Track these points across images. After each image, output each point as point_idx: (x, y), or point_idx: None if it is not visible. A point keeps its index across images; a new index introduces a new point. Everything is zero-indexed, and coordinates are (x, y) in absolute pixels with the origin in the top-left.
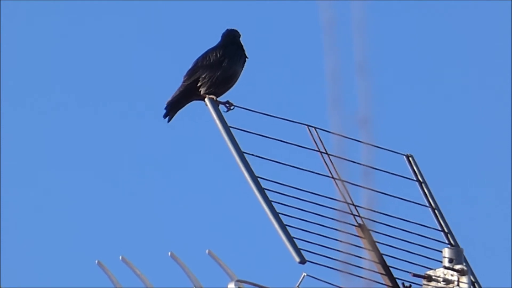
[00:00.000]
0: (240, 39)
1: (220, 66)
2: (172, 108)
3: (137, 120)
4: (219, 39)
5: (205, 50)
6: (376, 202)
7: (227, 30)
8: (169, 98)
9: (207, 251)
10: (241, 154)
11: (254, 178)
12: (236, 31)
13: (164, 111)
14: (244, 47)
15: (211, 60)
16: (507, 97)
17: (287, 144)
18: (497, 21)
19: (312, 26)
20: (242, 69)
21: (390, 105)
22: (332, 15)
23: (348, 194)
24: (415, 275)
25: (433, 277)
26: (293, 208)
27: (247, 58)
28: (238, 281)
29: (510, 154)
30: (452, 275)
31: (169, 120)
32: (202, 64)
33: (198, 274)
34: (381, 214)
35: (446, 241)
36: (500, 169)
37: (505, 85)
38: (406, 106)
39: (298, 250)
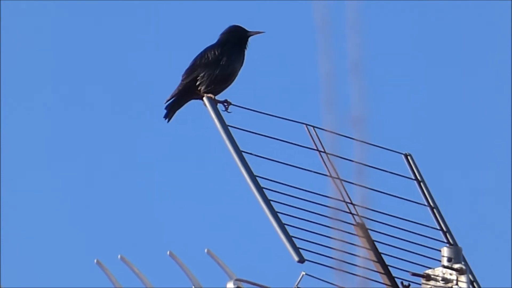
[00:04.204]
0: (245, 33)
1: (219, 64)
2: (171, 109)
3: (135, 119)
4: (219, 37)
5: (204, 48)
6: (374, 201)
7: (230, 27)
8: (168, 97)
9: (206, 250)
10: (239, 153)
11: (253, 177)
12: (239, 29)
13: (164, 111)
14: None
15: (210, 59)
16: (506, 95)
17: (285, 143)
18: (496, 20)
19: (309, 25)
20: (241, 67)
21: (389, 104)
22: (326, 15)
23: (347, 193)
24: (414, 274)
25: (432, 276)
26: (292, 207)
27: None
28: (237, 280)
29: (509, 153)
30: (451, 274)
31: (168, 120)
32: (201, 63)
33: (197, 273)
34: (380, 213)
35: (445, 240)
36: (499, 168)
37: (503, 83)
38: (405, 105)
39: (297, 249)
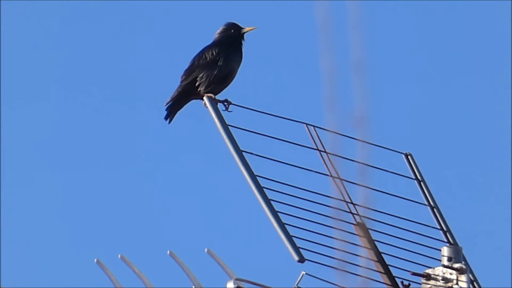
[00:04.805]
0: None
1: (216, 65)
2: (172, 110)
3: (136, 119)
4: (215, 36)
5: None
6: (374, 200)
7: (225, 25)
8: (168, 99)
9: (206, 250)
10: (240, 152)
11: (253, 177)
12: (233, 25)
13: (165, 112)
14: (244, 38)
15: (208, 59)
16: (506, 94)
17: (286, 142)
18: (497, 21)
19: (310, 24)
20: (239, 65)
21: (389, 104)
22: (328, 14)
23: (347, 192)
24: (414, 274)
25: (432, 275)
26: (292, 207)
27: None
28: (237, 280)
29: (509, 152)
30: (451, 274)
31: (170, 122)
32: (199, 64)
33: (197, 273)
34: (380, 213)
35: (445, 240)
36: (499, 167)
37: (503, 83)
38: (405, 105)
39: (297, 249)
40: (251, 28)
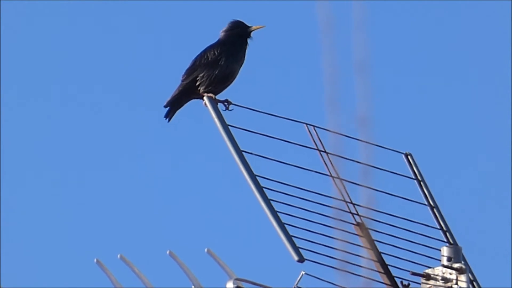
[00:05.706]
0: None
1: (218, 65)
2: (172, 108)
3: (136, 119)
4: (220, 34)
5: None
6: (374, 200)
7: (231, 23)
8: (168, 98)
9: (206, 249)
10: (240, 152)
11: (253, 177)
12: (239, 23)
13: (164, 110)
14: (249, 36)
15: (209, 59)
16: (506, 94)
17: (286, 142)
18: (497, 21)
19: (311, 24)
20: (241, 66)
21: (389, 104)
22: (330, 14)
23: (347, 192)
24: (413, 274)
25: (432, 275)
26: (292, 207)
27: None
28: (236, 279)
29: (509, 152)
30: (450, 274)
31: (169, 120)
32: (200, 63)
33: (197, 273)
34: (380, 213)
35: (445, 240)
36: (499, 167)
37: (503, 83)
38: (405, 105)
39: (296, 249)
40: (258, 26)
